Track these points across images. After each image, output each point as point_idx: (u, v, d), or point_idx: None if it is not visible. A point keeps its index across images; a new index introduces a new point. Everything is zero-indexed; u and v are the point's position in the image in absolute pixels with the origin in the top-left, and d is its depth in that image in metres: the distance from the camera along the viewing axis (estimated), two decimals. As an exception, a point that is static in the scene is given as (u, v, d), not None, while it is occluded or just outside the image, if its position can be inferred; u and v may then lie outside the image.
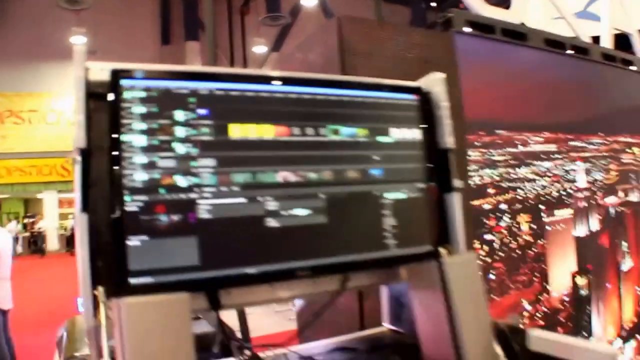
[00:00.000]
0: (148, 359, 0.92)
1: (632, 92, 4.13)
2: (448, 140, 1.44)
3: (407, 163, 1.39)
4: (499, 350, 1.29)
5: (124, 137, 1.09)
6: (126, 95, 1.11)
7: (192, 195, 1.12)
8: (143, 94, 1.12)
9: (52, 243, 19.66)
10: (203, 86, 1.18)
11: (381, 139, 1.36)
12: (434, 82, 1.47)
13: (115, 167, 1.07)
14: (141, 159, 1.09)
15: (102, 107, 1.10)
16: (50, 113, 18.40)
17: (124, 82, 1.11)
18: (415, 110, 1.44)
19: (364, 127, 1.34)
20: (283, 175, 1.21)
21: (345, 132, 1.31)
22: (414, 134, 1.42)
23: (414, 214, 1.38)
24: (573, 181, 3.37)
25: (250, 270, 1.16)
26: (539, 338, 1.29)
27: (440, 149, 1.44)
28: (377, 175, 1.33)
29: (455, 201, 1.41)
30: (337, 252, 1.26)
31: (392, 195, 1.34)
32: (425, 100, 1.46)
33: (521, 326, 1.34)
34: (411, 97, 1.44)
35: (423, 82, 1.48)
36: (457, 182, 1.42)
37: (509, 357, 1.29)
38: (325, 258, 1.25)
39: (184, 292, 1.02)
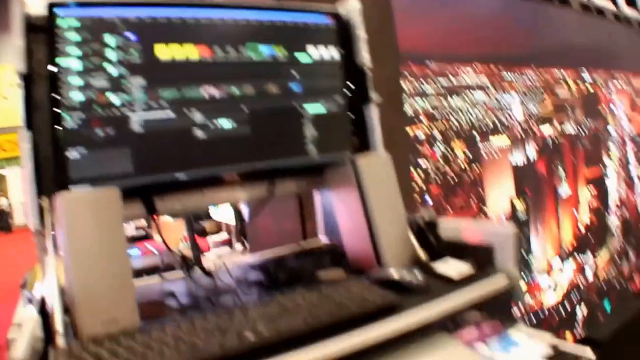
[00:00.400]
0: (84, 247, 1.04)
1: (568, 29, 4.30)
2: (364, 59, 1.57)
3: (326, 79, 1.53)
4: (414, 241, 1.44)
5: (61, 62, 1.19)
6: (61, 24, 1.21)
7: (125, 111, 1.24)
8: (77, 23, 1.23)
9: (19, 218, 19.48)
10: (132, 13, 1.29)
11: (300, 58, 1.49)
12: (351, 6, 1.59)
13: (54, 89, 1.18)
14: (77, 80, 1.20)
15: (41, 37, 1.21)
16: (7, 86, 17.99)
17: (58, 13, 1.21)
18: (334, 33, 1.56)
19: (284, 47, 1.46)
20: (208, 91, 1.34)
21: (265, 51, 1.43)
22: (333, 53, 1.55)
23: (334, 125, 1.52)
24: (507, 111, 3.54)
25: (181, 176, 1.29)
26: (450, 227, 1.44)
27: (358, 67, 1.58)
28: (297, 90, 1.46)
29: (373, 112, 1.56)
30: (261, 159, 1.40)
31: (312, 108, 1.48)
32: (343, 24, 1.58)
33: (434, 218, 1.48)
34: (329, 21, 1.56)
35: (342, 7, 1.60)
36: (373, 95, 1.56)
37: (424, 247, 1.44)
38: (250, 164, 1.38)
39: (115, 187, 1.14)
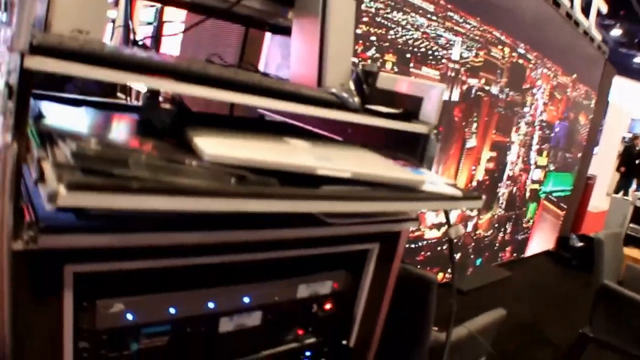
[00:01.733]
0: None
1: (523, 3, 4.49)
2: None
3: None
4: (352, 85, 1.56)
5: None
6: None
7: None
8: None
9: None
10: None
11: None
12: None
13: None
14: None
15: None
16: None
17: None
18: None
19: None
20: None
21: None
22: None
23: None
24: (443, 47, 3.70)
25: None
26: (386, 77, 1.56)
27: None
28: None
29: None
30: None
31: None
32: None
33: (375, 70, 1.59)
34: None
35: None
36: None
37: (359, 93, 1.56)
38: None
39: None
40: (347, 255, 1.28)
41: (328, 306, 1.30)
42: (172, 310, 1.00)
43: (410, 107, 1.45)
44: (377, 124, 1.28)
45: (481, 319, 2.10)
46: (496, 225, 5.31)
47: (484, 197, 1.24)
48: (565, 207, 7.23)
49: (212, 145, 0.83)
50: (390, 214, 1.25)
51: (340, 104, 1.22)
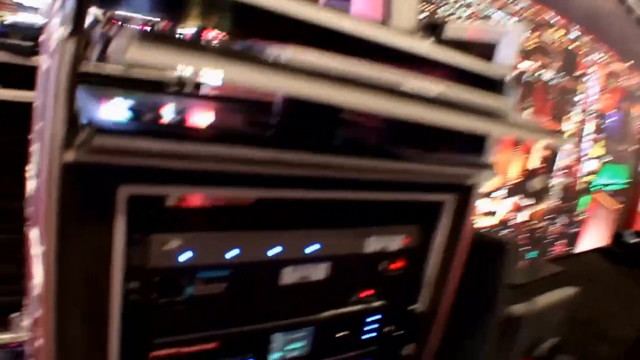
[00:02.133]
0: None
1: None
2: None
3: None
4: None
5: None
6: None
7: None
8: None
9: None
10: None
11: None
12: None
13: None
14: None
15: None
16: None
17: None
18: None
19: None
20: None
21: None
22: None
23: None
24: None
25: None
26: (455, 27, 1.44)
27: None
28: None
29: None
30: None
31: None
32: None
33: (440, 22, 1.48)
34: None
35: None
36: None
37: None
38: None
39: None
40: (420, 206, 1.17)
41: (397, 264, 1.19)
42: (233, 253, 0.90)
43: (482, 54, 1.33)
44: (451, 61, 1.17)
45: (551, 295, 1.95)
46: (549, 217, 5.13)
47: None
48: (620, 200, 6.94)
49: (290, 51, 0.73)
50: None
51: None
